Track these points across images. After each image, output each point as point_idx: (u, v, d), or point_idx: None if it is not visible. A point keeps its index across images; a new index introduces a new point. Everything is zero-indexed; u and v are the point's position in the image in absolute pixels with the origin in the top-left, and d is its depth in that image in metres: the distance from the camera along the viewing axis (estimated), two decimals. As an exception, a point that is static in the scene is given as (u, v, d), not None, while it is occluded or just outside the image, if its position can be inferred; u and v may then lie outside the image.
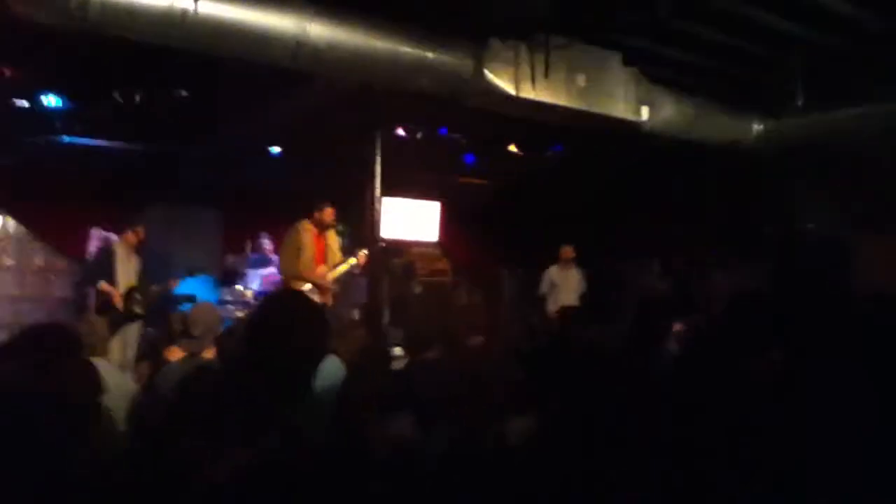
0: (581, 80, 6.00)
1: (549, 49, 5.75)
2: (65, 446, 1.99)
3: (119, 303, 6.62)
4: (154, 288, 6.93)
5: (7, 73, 6.27)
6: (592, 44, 6.07)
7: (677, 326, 5.64)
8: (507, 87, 5.63)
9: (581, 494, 2.02)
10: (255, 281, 8.78)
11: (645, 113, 6.47)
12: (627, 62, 6.29)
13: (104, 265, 6.76)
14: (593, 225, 9.49)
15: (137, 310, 6.76)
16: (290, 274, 7.04)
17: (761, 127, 7.38)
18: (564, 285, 8.67)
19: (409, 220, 9.59)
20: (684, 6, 5.42)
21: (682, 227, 8.77)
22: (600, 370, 2.38)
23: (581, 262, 8.78)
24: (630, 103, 6.35)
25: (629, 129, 6.49)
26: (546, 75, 5.77)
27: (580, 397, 2.40)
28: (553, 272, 8.79)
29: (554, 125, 6.72)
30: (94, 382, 2.58)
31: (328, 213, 7.05)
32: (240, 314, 7.82)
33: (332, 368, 3.28)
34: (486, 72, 5.57)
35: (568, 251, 8.76)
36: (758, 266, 8.12)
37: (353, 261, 7.22)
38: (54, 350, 2.70)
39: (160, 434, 2.43)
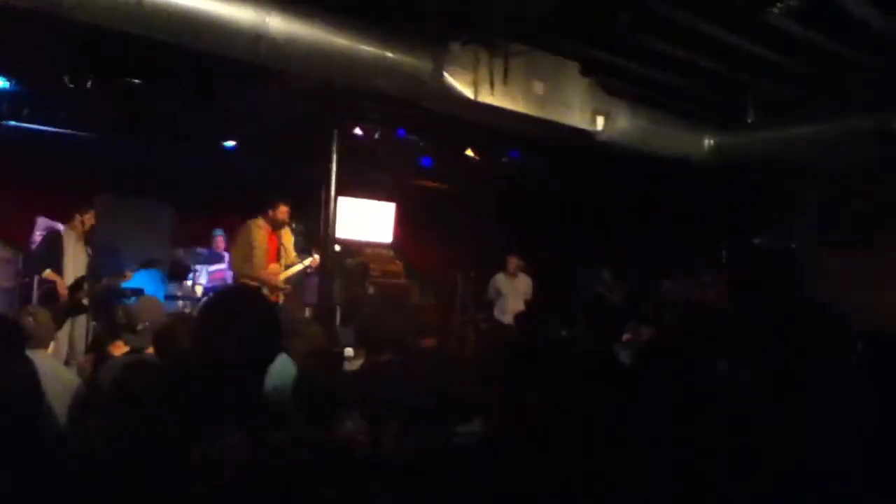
0: (539, 87, 6.06)
1: (509, 55, 5.79)
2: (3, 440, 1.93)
3: (64, 292, 6.46)
4: (106, 280, 6.78)
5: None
6: (551, 52, 6.13)
7: (626, 336, 5.74)
8: (466, 90, 5.65)
9: (529, 499, 2.02)
10: (203, 276, 8.65)
11: (600, 123, 6.56)
12: (585, 72, 6.36)
13: (51, 253, 6.59)
14: (547, 231, 9.58)
15: (84, 301, 6.60)
16: (242, 271, 6.95)
17: (713, 141, 7.53)
18: (512, 293, 8.71)
19: (364, 220, 9.56)
20: (643, 20, 5.50)
21: (636, 238, 8.90)
22: (559, 372, 2.39)
23: (533, 267, 8.85)
24: (586, 113, 6.44)
25: (584, 139, 6.56)
26: (504, 81, 5.81)
27: (538, 400, 2.41)
28: (499, 280, 8.84)
29: (506, 128, 6.77)
30: (31, 376, 2.50)
31: (282, 211, 6.97)
32: (187, 310, 7.70)
33: (283, 367, 3.25)
34: (446, 75, 5.58)
35: (513, 262, 8.81)
36: (710, 277, 8.30)
37: (307, 261, 7.16)
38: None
39: (99, 429, 2.38)
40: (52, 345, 4.42)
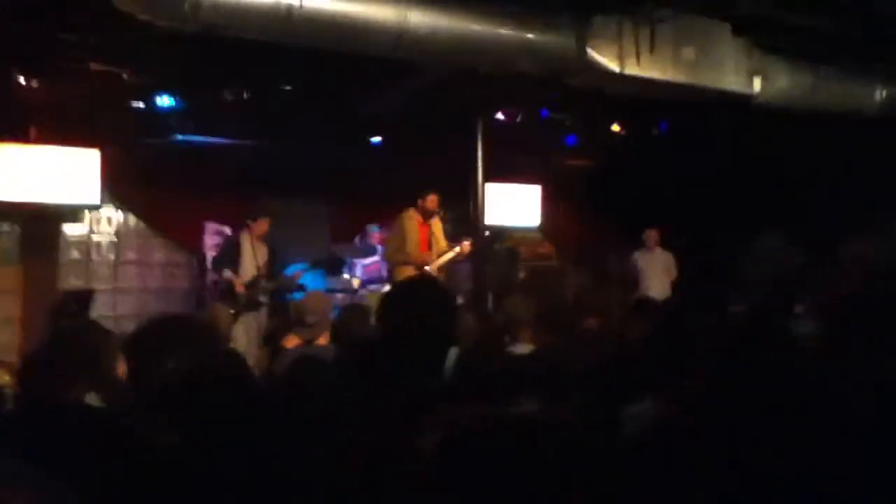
0: (689, 53, 5.79)
1: (654, 23, 5.57)
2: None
3: (242, 291, 6.88)
4: (281, 279, 7.18)
5: (125, 76, 6.56)
6: (699, 14, 5.84)
7: (800, 308, 5.39)
8: (612, 64, 5.49)
9: (700, 488, 1.93)
10: (358, 270, 8.96)
11: (757, 84, 6.20)
12: (738, 31, 6.02)
13: (230, 254, 7.04)
14: (703, 202, 9.15)
15: (261, 298, 7.00)
16: (396, 261, 7.18)
17: (885, 92, 6.95)
18: (650, 269, 8.43)
19: (511, 205, 9.51)
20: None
21: (808, 200, 8.33)
22: (729, 355, 2.27)
23: (691, 240, 8.52)
24: (741, 75, 6.09)
25: (741, 102, 6.23)
26: (651, 50, 5.59)
27: (707, 384, 2.31)
28: (637, 256, 8.57)
29: (660, 101, 6.54)
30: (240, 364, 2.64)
31: (432, 201, 7.14)
32: (347, 302, 7.99)
33: (450, 355, 3.29)
34: (590, 50, 5.44)
35: (651, 236, 8.50)
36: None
37: (457, 249, 7.27)
38: (185, 340, 2.78)
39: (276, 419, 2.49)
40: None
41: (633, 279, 8.58)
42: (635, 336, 3.41)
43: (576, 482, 1.24)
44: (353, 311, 4.25)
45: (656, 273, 8.37)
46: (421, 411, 1.44)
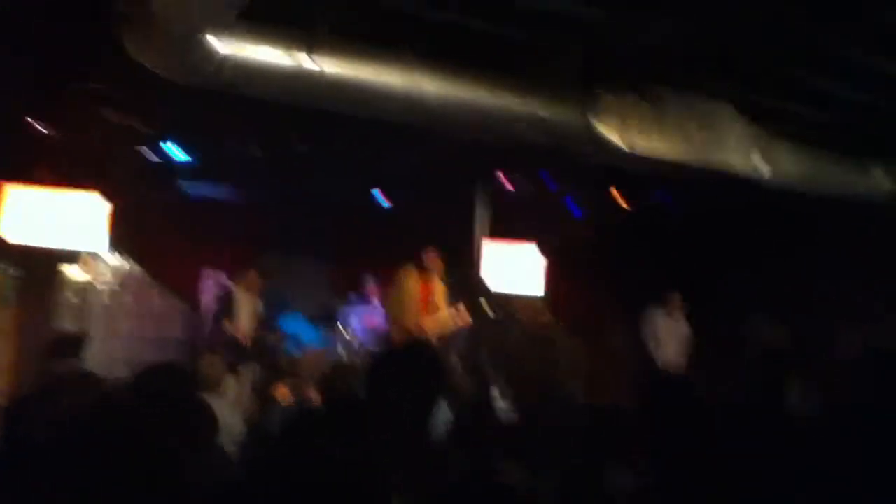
0: (694, 131, 5.85)
1: (662, 101, 5.66)
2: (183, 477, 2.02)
3: (244, 339, 6.88)
4: (272, 336, 7.19)
5: (137, 126, 6.68)
6: (704, 94, 5.94)
7: (793, 388, 5.36)
8: (619, 141, 5.55)
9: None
10: (355, 321, 8.93)
11: (763, 167, 6.23)
12: (741, 113, 6.11)
13: (225, 306, 7.05)
14: (703, 275, 9.17)
15: (252, 351, 6.99)
16: (396, 319, 7.18)
17: (890, 180, 7.02)
18: (670, 338, 8.36)
19: (513, 271, 9.50)
20: (805, 56, 5.25)
21: (800, 279, 8.36)
22: (720, 426, 2.27)
23: (689, 314, 8.50)
24: (747, 157, 6.12)
25: (748, 184, 6.27)
26: (658, 128, 5.66)
27: (698, 453, 2.30)
28: (657, 321, 8.42)
29: (662, 176, 6.60)
30: (211, 420, 2.65)
31: (432, 259, 7.17)
32: (344, 358, 7.96)
33: (441, 414, 3.28)
34: (594, 123, 5.50)
35: (676, 300, 8.43)
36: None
37: (454, 315, 7.27)
38: (172, 387, 2.79)
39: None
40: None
41: (644, 346, 8.47)
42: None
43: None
44: (341, 369, 4.26)
45: (676, 342, 8.28)
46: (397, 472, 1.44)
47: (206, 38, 4.04)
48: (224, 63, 4.14)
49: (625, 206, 9.08)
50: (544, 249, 9.52)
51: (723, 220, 8.81)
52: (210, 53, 4.08)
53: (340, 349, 8.51)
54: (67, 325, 8.11)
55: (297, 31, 4.45)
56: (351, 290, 9.20)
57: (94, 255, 7.99)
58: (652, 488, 2.19)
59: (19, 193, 7.06)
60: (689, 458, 2.32)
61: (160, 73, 4.20)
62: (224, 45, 4.12)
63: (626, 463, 2.57)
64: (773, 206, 7.71)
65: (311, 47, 4.39)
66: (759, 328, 8.48)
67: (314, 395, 4.49)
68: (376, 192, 8.91)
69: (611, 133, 5.50)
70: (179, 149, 7.36)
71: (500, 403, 6.85)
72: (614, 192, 8.96)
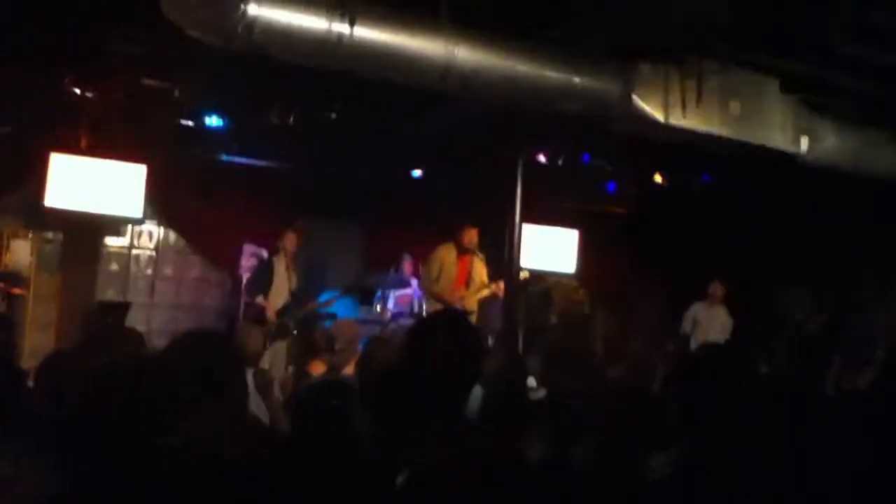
0: (735, 107, 5.73)
1: (702, 74, 5.54)
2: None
3: (272, 316, 6.91)
4: (308, 306, 7.22)
5: (176, 93, 6.70)
6: (748, 68, 5.79)
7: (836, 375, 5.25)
8: (657, 113, 5.45)
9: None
10: (390, 300, 8.94)
11: (804, 144, 6.09)
12: (786, 89, 5.96)
13: (263, 278, 7.10)
14: (741, 257, 9.02)
15: (290, 324, 7.03)
16: (431, 294, 7.19)
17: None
18: (709, 325, 8.27)
19: (548, 248, 9.45)
20: (856, 29, 5.06)
21: (840, 260, 8.17)
22: (758, 406, 2.21)
23: (728, 297, 8.37)
24: (788, 133, 5.99)
25: (787, 161, 6.13)
26: (698, 102, 5.55)
27: (732, 434, 2.25)
28: (698, 310, 8.41)
29: (703, 153, 6.48)
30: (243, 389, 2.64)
31: (469, 236, 7.14)
32: (377, 333, 7.98)
33: (475, 393, 3.25)
34: (635, 97, 5.41)
35: (718, 288, 8.36)
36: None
37: (492, 288, 7.25)
38: (208, 355, 2.78)
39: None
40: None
41: (684, 333, 8.41)
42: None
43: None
44: (378, 342, 4.24)
45: (714, 328, 8.20)
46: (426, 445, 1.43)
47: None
48: (255, 24, 4.11)
49: (661, 181, 8.93)
50: (579, 225, 9.45)
51: (761, 197, 8.63)
52: (241, 14, 4.05)
53: (376, 324, 8.54)
54: (108, 291, 8.28)
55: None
56: (387, 265, 9.21)
57: (134, 223, 8.11)
58: (685, 467, 2.14)
59: (62, 161, 7.19)
60: (723, 436, 2.26)
61: (192, 32, 4.18)
62: (256, 6, 4.08)
63: (659, 442, 2.52)
64: (813, 184, 7.51)
65: (345, 11, 4.33)
66: (797, 307, 8.33)
67: (349, 370, 4.50)
68: (415, 171, 8.86)
69: (650, 105, 5.40)
70: (218, 117, 7.38)
71: (533, 381, 6.83)
72: (651, 167, 8.81)
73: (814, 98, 6.22)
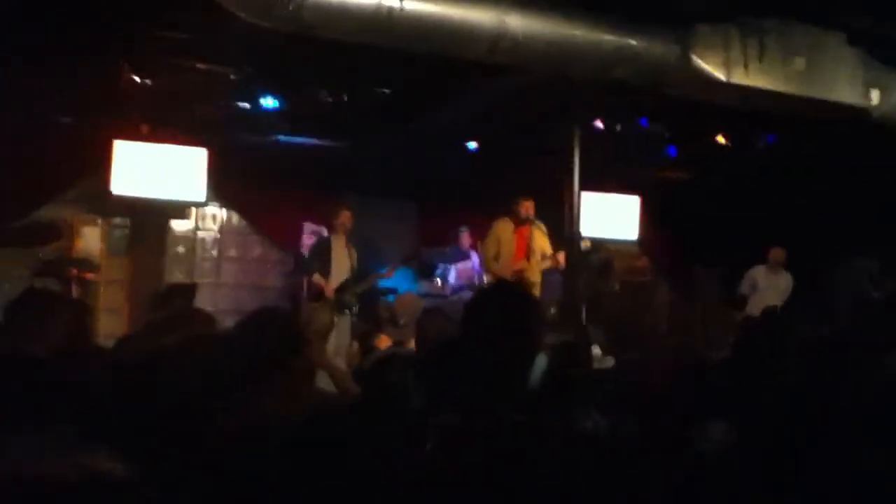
0: (800, 63, 5.53)
1: (763, 31, 5.35)
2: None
3: (330, 293, 6.99)
4: (371, 278, 7.28)
5: (231, 76, 6.78)
6: (811, 24, 5.58)
7: None
8: (718, 73, 5.29)
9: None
10: (451, 274, 8.94)
11: (875, 97, 5.85)
12: (854, 41, 5.71)
13: (320, 257, 7.18)
14: (805, 222, 8.74)
15: (351, 301, 7.11)
16: (492, 269, 7.17)
17: None
18: (770, 289, 8.07)
19: (608, 216, 9.30)
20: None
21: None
22: (816, 376, 2.14)
23: (790, 263, 8.16)
24: (857, 87, 5.76)
25: (857, 116, 5.90)
26: (760, 59, 5.37)
27: (791, 406, 2.18)
28: (758, 273, 8.21)
29: (767, 113, 6.28)
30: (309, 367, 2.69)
31: (525, 207, 7.08)
32: (438, 303, 8.02)
33: (539, 363, 3.24)
34: (694, 58, 5.27)
35: (778, 253, 8.15)
36: None
37: (554, 258, 7.19)
38: (277, 333, 2.81)
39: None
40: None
41: (742, 297, 8.24)
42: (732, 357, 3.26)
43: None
44: (430, 314, 4.25)
45: (776, 293, 8.02)
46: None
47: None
48: (305, 4, 4.11)
49: (723, 143, 8.67)
50: (638, 192, 9.27)
51: (827, 157, 8.31)
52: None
53: (438, 297, 8.57)
54: (176, 274, 8.50)
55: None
56: (444, 240, 9.21)
57: (198, 206, 8.28)
58: (743, 442, 2.09)
59: (125, 148, 7.36)
60: (781, 409, 2.20)
61: (243, 15, 4.21)
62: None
63: (718, 415, 2.47)
64: (880, 144, 7.20)
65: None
66: (863, 273, 8.04)
67: (411, 342, 4.54)
68: (469, 143, 8.80)
69: (710, 65, 5.25)
70: (273, 98, 7.44)
71: (597, 350, 6.77)
72: (712, 129, 8.57)
73: (883, 50, 5.95)
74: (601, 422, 2.46)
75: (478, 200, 8.09)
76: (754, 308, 7.97)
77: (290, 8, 4.10)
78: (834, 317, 6.87)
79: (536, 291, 7.00)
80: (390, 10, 4.35)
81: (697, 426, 2.24)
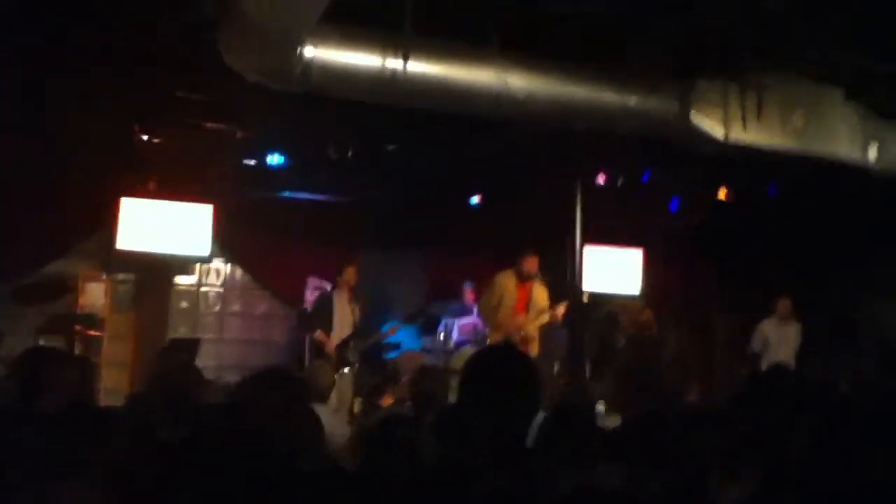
0: (798, 118, 5.59)
1: (762, 86, 5.43)
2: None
3: (331, 350, 6.98)
4: (374, 337, 7.28)
5: (238, 135, 6.89)
6: (810, 78, 5.65)
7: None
8: (716, 130, 5.37)
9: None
10: (455, 329, 8.92)
11: (873, 152, 5.90)
12: (851, 97, 5.79)
13: (322, 313, 7.18)
14: (815, 269, 8.71)
15: (351, 358, 7.10)
16: (491, 322, 7.14)
17: None
18: (782, 344, 7.99)
19: (611, 270, 9.30)
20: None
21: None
22: (841, 432, 2.12)
23: (800, 308, 8.10)
24: (856, 142, 5.81)
25: (855, 171, 5.94)
26: (759, 116, 5.44)
27: (809, 458, 2.16)
28: (767, 328, 8.12)
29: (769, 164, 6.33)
30: (318, 429, 2.67)
31: (530, 263, 7.09)
32: (440, 363, 7.97)
33: (538, 422, 3.22)
34: (693, 113, 5.34)
35: (785, 305, 8.05)
36: None
37: (551, 312, 7.17)
38: (281, 393, 2.81)
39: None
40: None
41: (754, 355, 8.16)
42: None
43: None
44: (423, 373, 4.24)
45: (787, 346, 7.92)
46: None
47: (292, 41, 4.12)
48: (312, 66, 4.21)
49: (724, 197, 8.71)
50: (642, 243, 9.28)
51: (829, 208, 8.33)
52: (298, 57, 4.15)
53: (441, 353, 8.53)
54: (180, 328, 8.49)
55: (384, 32, 4.48)
56: (448, 294, 9.22)
57: (202, 261, 8.32)
58: (759, 498, 2.06)
59: (132, 205, 7.44)
60: (799, 463, 2.18)
61: (252, 78, 4.31)
62: (312, 49, 4.18)
63: (733, 470, 2.44)
64: (883, 193, 7.23)
65: (398, 47, 4.40)
66: (874, 316, 7.98)
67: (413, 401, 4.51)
68: (473, 198, 8.88)
69: (709, 122, 5.33)
70: (279, 155, 7.54)
71: (601, 407, 6.70)
72: (715, 181, 8.61)
73: (881, 104, 6.02)
74: (620, 480, 2.44)
75: (483, 254, 8.13)
76: (766, 364, 7.87)
77: (298, 72, 4.20)
78: (854, 369, 6.79)
79: (535, 346, 6.98)
80: (394, 71, 4.45)
81: (713, 481, 2.22)
